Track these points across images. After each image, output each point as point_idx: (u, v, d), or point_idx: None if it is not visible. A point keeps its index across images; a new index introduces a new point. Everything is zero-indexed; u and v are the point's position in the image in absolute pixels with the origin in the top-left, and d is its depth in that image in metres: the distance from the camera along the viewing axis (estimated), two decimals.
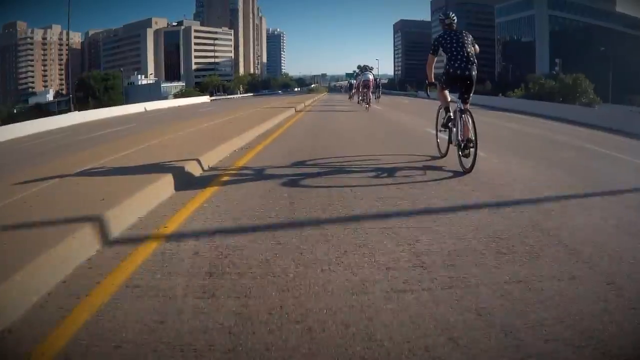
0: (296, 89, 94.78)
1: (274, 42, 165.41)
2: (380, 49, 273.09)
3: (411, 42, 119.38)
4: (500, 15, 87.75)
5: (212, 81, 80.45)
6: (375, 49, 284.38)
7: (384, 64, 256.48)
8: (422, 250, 2.46)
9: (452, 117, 4.94)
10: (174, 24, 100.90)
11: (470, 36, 4.85)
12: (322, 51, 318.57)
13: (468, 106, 4.73)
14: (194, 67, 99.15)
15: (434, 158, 5.44)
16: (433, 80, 5.20)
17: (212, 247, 2.53)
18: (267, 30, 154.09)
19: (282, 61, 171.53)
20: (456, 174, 4.49)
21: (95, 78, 61.96)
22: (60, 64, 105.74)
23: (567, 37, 72.99)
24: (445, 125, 5.14)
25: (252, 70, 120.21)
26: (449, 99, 5.14)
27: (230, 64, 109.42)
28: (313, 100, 25.71)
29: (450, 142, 5.12)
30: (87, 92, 60.98)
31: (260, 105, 18.32)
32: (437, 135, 5.62)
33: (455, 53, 4.66)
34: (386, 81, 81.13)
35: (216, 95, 74.89)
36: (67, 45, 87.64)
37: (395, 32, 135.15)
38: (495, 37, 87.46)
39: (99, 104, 57.75)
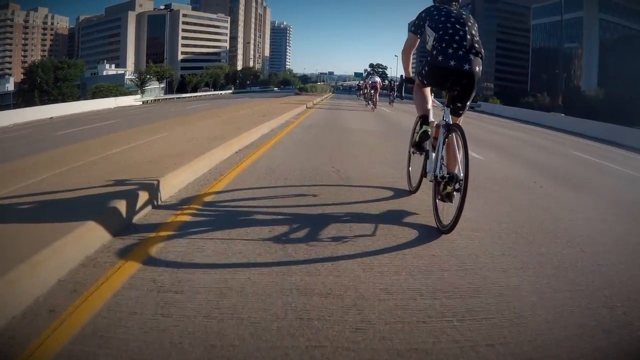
0: (275, 89, 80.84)
1: (279, 36, 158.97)
2: (393, 48, 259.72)
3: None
4: (538, 16, 75.78)
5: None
6: (387, 49, 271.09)
7: (394, 66, 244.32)
8: None
9: (430, 134, 3.12)
10: (162, 7, 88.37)
11: (476, 24, 3.03)
12: (330, 48, 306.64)
13: (460, 121, 3.06)
14: (180, 57, 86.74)
15: (395, 195, 3.68)
16: (411, 75, 3.44)
17: None
18: (273, 23, 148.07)
19: (287, 57, 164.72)
20: (424, 236, 2.75)
21: (45, 67, 49.89)
22: (43, 50, 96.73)
23: (618, 45, 61.20)
24: (418, 145, 3.24)
25: (251, 64, 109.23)
26: (430, 102, 3.27)
27: (225, 56, 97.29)
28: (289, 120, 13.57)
29: (424, 173, 3.29)
30: (34, 84, 49.09)
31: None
32: (409, 158, 3.79)
33: (449, 33, 2.88)
34: (397, 83, 67.28)
35: (202, 91, 62.81)
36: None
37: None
38: (530, 42, 75.99)
39: (47, 98, 46.41)
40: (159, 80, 61.57)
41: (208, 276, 2.02)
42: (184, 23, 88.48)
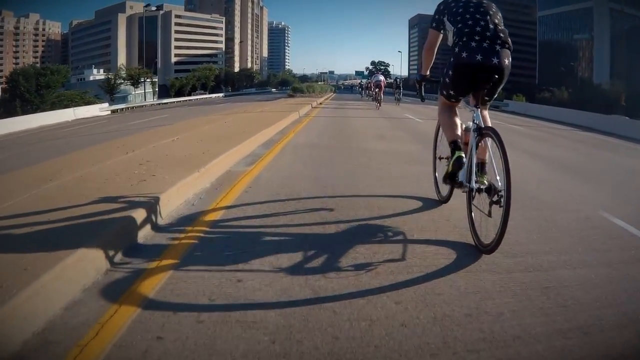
0: (273, 90, 76.10)
1: (277, 36, 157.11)
2: (396, 44, 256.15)
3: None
4: (544, 8, 72.54)
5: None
6: (389, 45, 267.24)
7: (396, 63, 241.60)
8: None
9: (464, 161, 2.64)
10: (153, 8, 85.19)
11: (499, 13, 2.72)
12: (330, 48, 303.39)
13: (488, 118, 2.73)
14: (173, 59, 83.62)
15: (425, 206, 3.31)
16: (428, 74, 3.12)
17: None
18: (271, 24, 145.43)
19: (286, 57, 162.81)
20: (463, 257, 2.39)
21: (27, 74, 47.06)
22: (35, 57, 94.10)
23: (631, 36, 57.93)
24: (452, 177, 2.73)
25: (249, 65, 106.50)
26: (459, 125, 2.81)
27: (221, 57, 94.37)
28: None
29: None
30: (15, 93, 46.37)
31: None
32: (434, 163, 3.48)
33: (469, 25, 2.60)
34: (402, 81, 65.80)
35: (196, 94, 59.74)
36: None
37: (411, 28, 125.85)
38: (537, 35, 72.83)
39: (29, 107, 43.70)
40: (135, 84, 56.42)
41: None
42: (176, 24, 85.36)
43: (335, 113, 15.27)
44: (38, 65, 70.95)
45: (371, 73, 71.96)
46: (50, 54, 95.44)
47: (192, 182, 3.61)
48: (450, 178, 2.70)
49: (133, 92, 55.64)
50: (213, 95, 56.94)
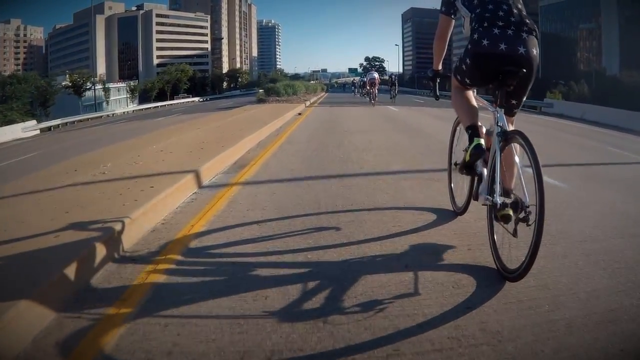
0: (260, 91, 68.54)
1: (268, 35, 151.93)
2: (391, 38, 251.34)
3: (424, 33, 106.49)
4: None
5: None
6: (383, 40, 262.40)
7: (392, 58, 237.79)
8: None
9: (484, 148, 2.27)
10: (133, 8, 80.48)
11: None
12: (322, 46, 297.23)
13: (513, 123, 2.37)
14: (155, 61, 78.76)
15: (438, 220, 2.88)
16: (440, 68, 2.75)
17: None
18: (260, 22, 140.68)
19: (277, 56, 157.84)
20: (485, 285, 2.02)
21: None
22: (16, 64, 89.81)
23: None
24: (469, 166, 2.36)
25: (238, 65, 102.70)
26: (475, 106, 2.47)
27: (208, 58, 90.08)
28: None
29: (473, 194, 2.47)
30: None
31: None
32: (449, 172, 3.04)
33: (489, 9, 2.21)
34: (397, 78, 63.26)
35: (178, 98, 55.33)
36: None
37: (404, 22, 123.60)
38: (539, 26, 69.26)
39: None
40: (79, 92, 47.72)
41: None
42: (158, 24, 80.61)
43: (325, 127, 9.88)
44: (20, 72, 66.90)
45: (365, 69, 68.97)
46: (32, 61, 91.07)
47: None
48: (467, 168, 2.36)
49: (107, 99, 50.67)
50: (188, 100, 52.09)
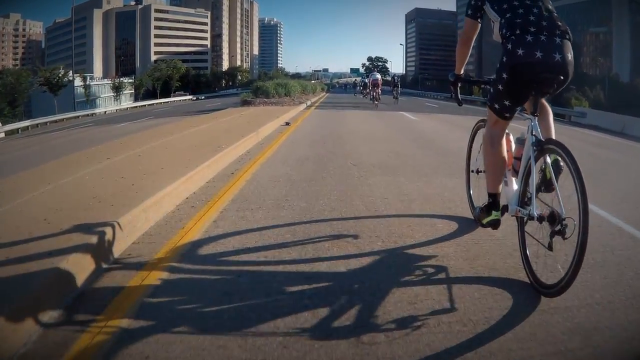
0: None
1: (269, 34, 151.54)
2: (395, 38, 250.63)
3: (428, 34, 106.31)
4: None
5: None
6: (386, 40, 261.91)
7: (394, 59, 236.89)
8: None
9: (499, 222, 2.38)
10: (132, 2, 79.09)
11: None
12: (324, 45, 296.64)
13: (552, 127, 2.29)
14: (153, 58, 77.28)
15: (460, 230, 2.72)
16: (462, 73, 2.57)
17: None
18: (262, 20, 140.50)
19: (278, 55, 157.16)
20: (520, 305, 1.88)
21: None
22: (15, 58, 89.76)
23: None
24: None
25: (239, 63, 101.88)
26: (505, 162, 2.37)
27: (207, 55, 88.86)
28: None
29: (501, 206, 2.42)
30: None
31: None
32: (467, 179, 2.98)
33: (519, 13, 2.11)
34: (400, 79, 62.75)
35: (175, 96, 53.72)
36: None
37: (408, 23, 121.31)
38: None
39: None
40: (53, 90, 41.97)
41: None
42: (156, 19, 79.25)
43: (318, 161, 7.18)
44: (18, 67, 65.45)
45: (368, 70, 68.11)
46: (31, 55, 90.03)
47: None
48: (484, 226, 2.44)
49: (102, 96, 48.77)
50: (180, 98, 50.36)
